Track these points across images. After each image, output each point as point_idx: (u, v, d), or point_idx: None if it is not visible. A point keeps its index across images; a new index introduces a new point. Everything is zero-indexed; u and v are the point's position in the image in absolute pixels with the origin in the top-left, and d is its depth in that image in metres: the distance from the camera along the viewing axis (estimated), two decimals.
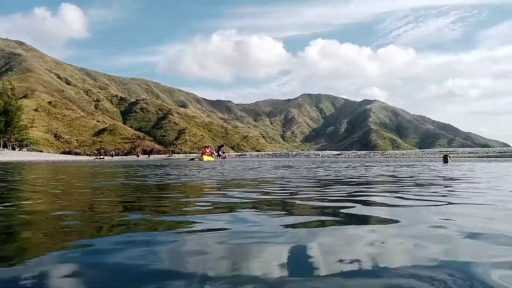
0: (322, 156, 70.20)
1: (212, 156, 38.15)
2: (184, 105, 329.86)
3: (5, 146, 75.39)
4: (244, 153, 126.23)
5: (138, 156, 74.83)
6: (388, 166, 15.12)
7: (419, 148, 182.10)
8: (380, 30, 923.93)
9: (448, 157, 22.25)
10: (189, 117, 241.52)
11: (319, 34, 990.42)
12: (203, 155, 34.65)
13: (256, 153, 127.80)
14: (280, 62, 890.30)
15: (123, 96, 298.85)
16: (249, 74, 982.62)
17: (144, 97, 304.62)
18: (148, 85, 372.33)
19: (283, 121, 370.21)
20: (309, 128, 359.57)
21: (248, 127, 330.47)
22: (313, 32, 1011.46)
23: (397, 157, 55.87)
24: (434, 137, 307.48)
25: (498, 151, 67.93)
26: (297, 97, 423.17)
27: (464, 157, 48.40)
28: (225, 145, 76.89)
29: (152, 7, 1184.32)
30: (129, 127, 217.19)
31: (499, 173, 9.50)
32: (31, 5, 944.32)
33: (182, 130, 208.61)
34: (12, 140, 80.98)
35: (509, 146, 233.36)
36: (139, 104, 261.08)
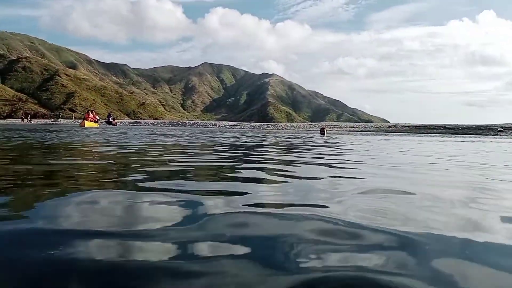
0: (219, 126, 71.19)
1: (96, 123, 34.01)
2: (73, 66, 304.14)
3: None
4: (139, 120, 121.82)
5: (22, 120, 67.87)
6: (259, 135, 16.42)
7: (311, 122, 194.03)
8: (280, 4, 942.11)
9: (325, 130, 24.97)
10: (80, 79, 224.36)
11: (220, 2, 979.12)
12: (85, 120, 30.77)
13: (152, 121, 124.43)
14: (179, 28, 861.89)
15: (1, 52, 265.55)
16: (146, 37, 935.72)
17: (27, 55, 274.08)
18: (32, 42, 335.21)
19: (183, 89, 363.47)
20: (210, 98, 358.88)
21: (146, 94, 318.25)
22: (215, 0, 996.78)
23: (287, 129, 59.16)
24: (324, 111, 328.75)
25: (375, 126, 75.40)
26: (198, 66, 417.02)
27: (346, 130, 53.01)
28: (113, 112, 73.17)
29: None
30: (9, 87, 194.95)
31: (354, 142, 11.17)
32: None
33: (71, 93, 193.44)
34: None
35: (388, 121, 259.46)
36: (21, 62, 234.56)
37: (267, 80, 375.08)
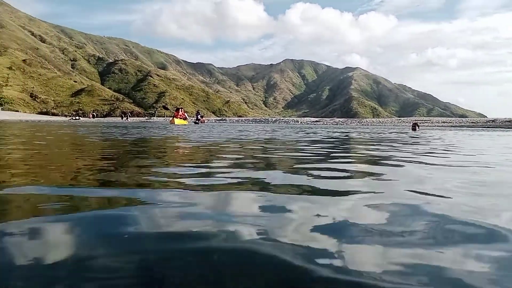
0: (301, 122, 70.38)
1: (185, 120, 34.27)
2: (164, 67, 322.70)
3: None
4: (224, 118, 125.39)
5: (122, 118, 73.11)
6: (342, 130, 15.45)
7: (399, 117, 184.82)
8: None
9: (417, 126, 23.53)
10: (169, 79, 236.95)
11: None
12: (175, 118, 31.27)
13: (237, 118, 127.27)
14: (261, 25, 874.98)
15: (100, 56, 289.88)
16: (229, 36, 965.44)
17: (123, 57, 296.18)
18: (126, 45, 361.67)
19: (265, 86, 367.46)
20: (292, 94, 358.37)
21: (230, 92, 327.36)
22: None
23: (374, 125, 56.57)
24: (413, 106, 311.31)
25: (470, 121, 69.33)
26: (280, 62, 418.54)
27: (438, 126, 49.20)
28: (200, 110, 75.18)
29: None
30: (107, 88, 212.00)
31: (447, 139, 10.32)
32: None
33: (162, 92, 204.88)
34: None
35: (485, 116, 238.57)
36: (117, 64, 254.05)
37: (350, 74, 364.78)
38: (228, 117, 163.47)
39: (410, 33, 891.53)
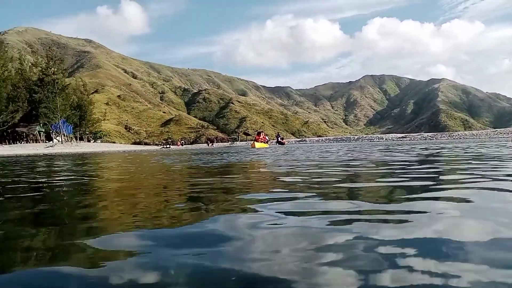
0: (385, 139, 67.33)
1: (266, 143, 33.72)
2: (244, 93, 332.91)
3: (81, 139, 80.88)
4: (304, 138, 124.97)
5: (208, 145, 76.29)
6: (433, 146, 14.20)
7: (494, 128, 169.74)
8: (445, 4, 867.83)
9: None
10: (249, 105, 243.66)
11: (378, 12, 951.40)
12: (255, 142, 30.56)
13: (317, 138, 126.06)
14: (337, 44, 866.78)
15: (186, 87, 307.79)
16: (306, 58, 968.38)
17: (206, 87, 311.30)
18: (209, 75, 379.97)
19: (344, 104, 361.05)
20: (373, 110, 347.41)
21: (309, 112, 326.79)
22: (373, 11, 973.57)
23: (466, 138, 52.43)
24: (510, 115, 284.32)
25: None
26: (359, 79, 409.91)
27: None
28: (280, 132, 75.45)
29: None
30: (193, 117, 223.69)
31: None
32: (93, 4, 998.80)
33: (243, 118, 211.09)
34: (87, 132, 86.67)
35: None
36: (201, 94, 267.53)
37: (436, 86, 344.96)
38: (308, 137, 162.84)
39: (500, 38, 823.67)
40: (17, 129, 64.28)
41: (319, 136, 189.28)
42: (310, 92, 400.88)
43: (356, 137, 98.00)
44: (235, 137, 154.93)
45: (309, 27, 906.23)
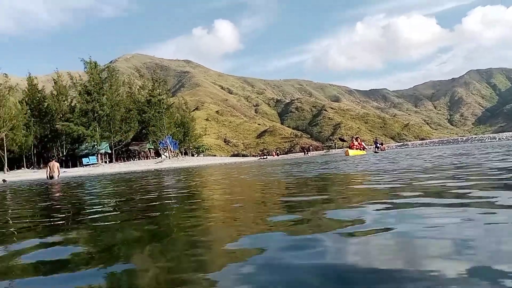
0: (499, 139, 59.61)
1: (363, 150, 30.75)
2: (337, 99, 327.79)
3: (185, 153, 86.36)
4: (405, 142, 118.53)
5: (304, 154, 76.50)
6: None
7: None
8: None
9: None
10: (343, 110, 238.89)
11: (480, 1, 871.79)
12: (349, 149, 27.68)
13: (420, 141, 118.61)
14: (435, 40, 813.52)
15: (278, 98, 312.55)
16: (401, 57, 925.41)
17: (298, 96, 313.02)
18: (300, 84, 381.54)
19: (448, 103, 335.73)
20: (482, 108, 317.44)
21: (408, 114, 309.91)
22: (473, 0, 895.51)
23: None
24: None
25: None
26: (463, 75, 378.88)
27: None
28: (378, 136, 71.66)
29: (297, 6, 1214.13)
30: (286, 126, 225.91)
31: None
32: (190, 27, 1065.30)
33: (338, 124, 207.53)
34: (190, 147, 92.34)
35: None
36: (294, 103, 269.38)
37: None
38: (409, 141, 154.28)
39: None
40: (130, 147, 70.76)
41: (422, 139, 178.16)
42: (409, 92, 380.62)
43: (464, 138, 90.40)
44: (330, 144, 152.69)
45: (403, 25, 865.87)
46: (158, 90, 69.21)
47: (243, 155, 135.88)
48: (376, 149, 39.25)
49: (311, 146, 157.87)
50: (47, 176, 20.52)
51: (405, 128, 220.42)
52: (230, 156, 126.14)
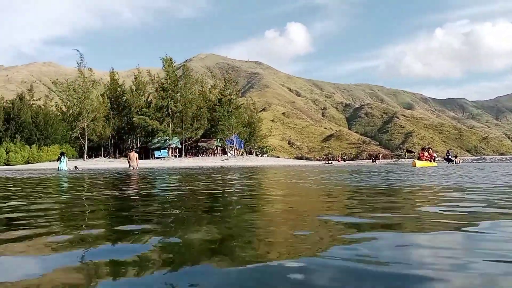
0: None
1: (433, 161, 28.10)
2: (410, 107, 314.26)
3: (250, 153, 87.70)
4: (483, 157, 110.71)
5: (372, 161, 74.46)
6: None
7: None
8: None
9: None
10: (416, 119, 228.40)
11: None
12: (417, 160, 25.34)
13: (499, 156, 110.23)
14: None
15: (347, 102, 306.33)
16: (483, 67, 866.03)
17: (368, 101, 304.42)
18: (372, 90, 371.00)
19: None
20: None
21: (488, 127, 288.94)
22: None
23: None
24: None
25: None
26: None
27: None
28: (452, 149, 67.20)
29: (371, 11, 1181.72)
30: (354, 132, 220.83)
31: None
32: (262, 29, 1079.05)
33: (409, 133, 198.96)
34: (255, 147, 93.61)
35: None
36: (363, 109, 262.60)
37: None
38: (487, 155, 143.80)
39: None
40: (199, 144, 73.31)
41: (502, 154, 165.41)
42: (490, 103, 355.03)
43: None
44: (400, 153, 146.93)
45: (487, 32, 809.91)
46: (229, 90, 70.94)
47: (307, 158, 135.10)
48: (448, 161, 37.04)
49: (380, 153, 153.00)
50: (128, 165, 22.03)
51: (483, 141, 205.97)
52: (293, 159, 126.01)
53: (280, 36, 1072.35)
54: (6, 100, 69.54)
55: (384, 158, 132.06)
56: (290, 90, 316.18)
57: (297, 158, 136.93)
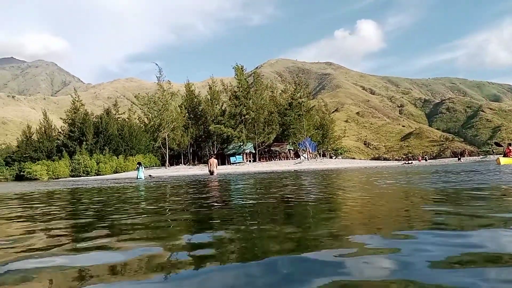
0: None
1: None
2: (497, 99, 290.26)
3: (323, 155, 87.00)
4: None
5: (458, 159, 69.90)
6: None
7: None
8: None
9: None
10: (505, 111, 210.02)
11: None
12: (501, 157, 22.03)
13: None
14: None
15: (426, 98, 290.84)
16: None
17: (450, 95, 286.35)
18: (453, 83, 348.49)
19: None
20: None
21: None
22: None
23: None
24: None
25: None
26: None
27: None
28: None
29: (447, 0, 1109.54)
30: (435, 129, 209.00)
31: None
32: (331, 30, 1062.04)
33: (497, 127, 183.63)
34: (329, 149, 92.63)
35: None
36: (444, 104, 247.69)
37: None
38: None
39: None
40: (272, 148, 74.41)
41: None
42: None
43: None
44: (488, 149, 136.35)
45: None
46: (299, 94, 71.24)
47: (385, 159, 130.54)
48: None
49: (465, 150, 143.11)
50: (208, 171, 23.31)
51: None
52: (370, 160, 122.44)
53: (350, 34, 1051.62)
54: (95, 116, 76.45)
55: (470, 156, 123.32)
56: (363, 88, 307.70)
57: (374, 159, 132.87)
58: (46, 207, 5.06)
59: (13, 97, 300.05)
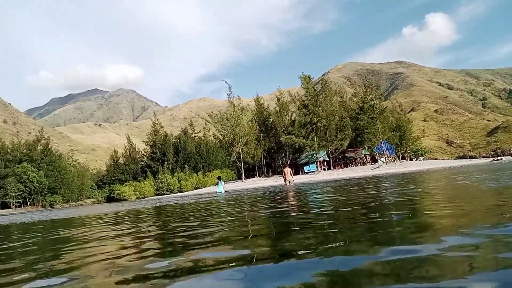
0: None
1: None
2: None
3: (403, 158, 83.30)
4: None
5: None
6: None
7: None
8: None
9: None
10: None
11: None
12: None
13: None
14: None
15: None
16: None
17: None
18: None
19: None
20: None
21: None
22: None
23: None
24: None
25: None
26: None
27: None
28: None
29: None
30: None
31: None
32: (398, 28, 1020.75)
33: None
34: (408, 151, 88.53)
35: None
36: None
37: None
38: None
39: None
40: (346, 154, 72.83)
41: None
42: None
43: None
44: None
45: None
46: (370, 96, 69.31)
47: (471, 157, 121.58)
48: None
49: None
50: (284, 180, 23.52)
51: None
52: (455, 159, 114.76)
53: (420, 30, 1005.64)
54: (174, 136, 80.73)
55: None
56: (440, 84, 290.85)
57: (459, 157, 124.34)
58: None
59: (99, 125, 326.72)
